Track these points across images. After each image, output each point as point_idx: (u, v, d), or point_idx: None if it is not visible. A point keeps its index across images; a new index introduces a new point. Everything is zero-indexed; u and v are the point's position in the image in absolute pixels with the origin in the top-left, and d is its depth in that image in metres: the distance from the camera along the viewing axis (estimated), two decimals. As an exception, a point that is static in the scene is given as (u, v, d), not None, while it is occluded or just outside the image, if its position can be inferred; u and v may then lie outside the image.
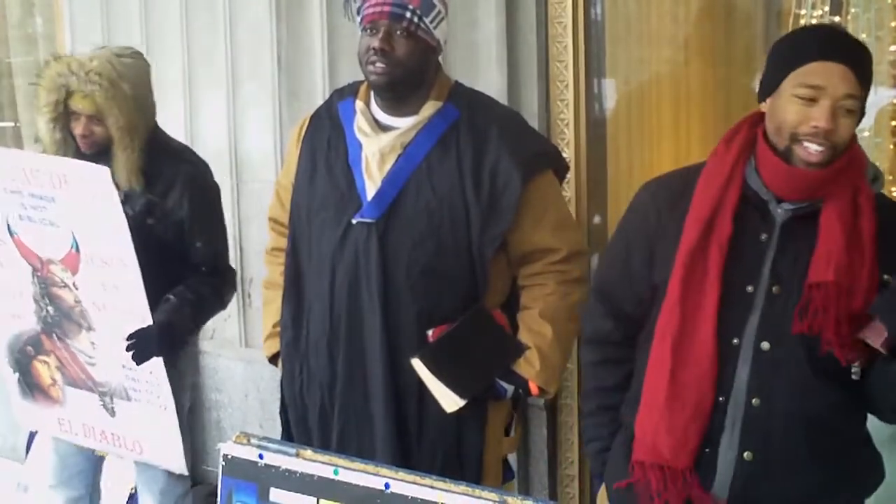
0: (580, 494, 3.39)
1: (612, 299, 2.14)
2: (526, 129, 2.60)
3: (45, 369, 2.96)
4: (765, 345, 1.90)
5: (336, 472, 1.61)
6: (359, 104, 2.50)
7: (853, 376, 1.87)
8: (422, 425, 2.46)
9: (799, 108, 1.87)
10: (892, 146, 3.22)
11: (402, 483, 1.57)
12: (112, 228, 2.61)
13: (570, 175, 3.23)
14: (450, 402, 2.42)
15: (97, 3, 4.30)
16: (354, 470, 1.60)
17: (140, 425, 2.86)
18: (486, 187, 2.40)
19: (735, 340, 1.92)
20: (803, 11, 3.26)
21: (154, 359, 2.72)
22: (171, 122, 4.07)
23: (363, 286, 2.43)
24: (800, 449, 1.91)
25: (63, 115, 2.78)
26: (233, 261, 3.93)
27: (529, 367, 2.46)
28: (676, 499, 1.93)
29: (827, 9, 3.22)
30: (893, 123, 3.21)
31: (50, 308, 2.84)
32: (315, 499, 1.63)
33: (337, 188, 2.48)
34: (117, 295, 2.70)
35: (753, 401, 1.91)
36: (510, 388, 2.48)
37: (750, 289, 1.92)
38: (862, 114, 1.91)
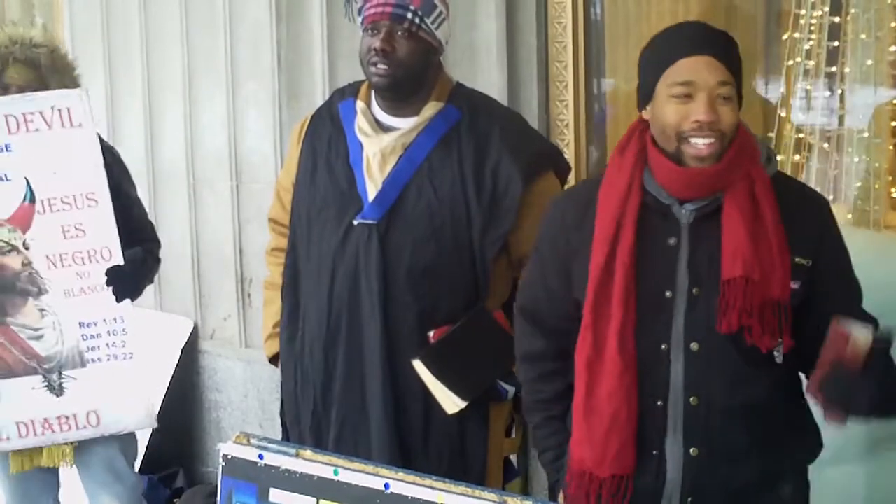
0: (580, 495, 3.38)
1: (536, 317, 2.15)
2: (527, 130, 2.60)
3: None
4: (694, 345, 1.93)
5: (336, 473, 1.61)
6: (360, 104, 2.49)
7: (776, 360, 1.92)
8: (426, 428, 2.46)
9: (677, 108, 1.89)
10: (891, 146, 3.22)
11: (401, 483, 1.57)
12: (85, 158, 2.58)
13: (570, 175, 3.24)
14: (451, 403, 2.42)
15: (97, 3, 4.30)
16: (354, 470, 1.60)
17: (96, 392, 2.75)
18: (487, 188, 2.39)
19: (663, 346, 1.95)
20: (803, 11, 3.26)
21: (124, 301, 2.70)
22: (171, 122, 4.09)
23: (364, 287, 2.42)
24: (741, 438, 1.95)
25: None
26: (233, 262, 3.95)
27: None
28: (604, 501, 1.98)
29: (827, 9, 3.22)
30: (893, 124, 3.21)
31: None
32: (315, 499, 1.63)
33: (337, 189, 2.47)
34: (81, 238, 2.66)
35: (691, 400, 1.94)
36: (511, 390, 2.48)
37: (668, 294, 1.94)
38: (740, 99, 1.93)
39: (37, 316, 2.74)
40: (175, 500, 4.03)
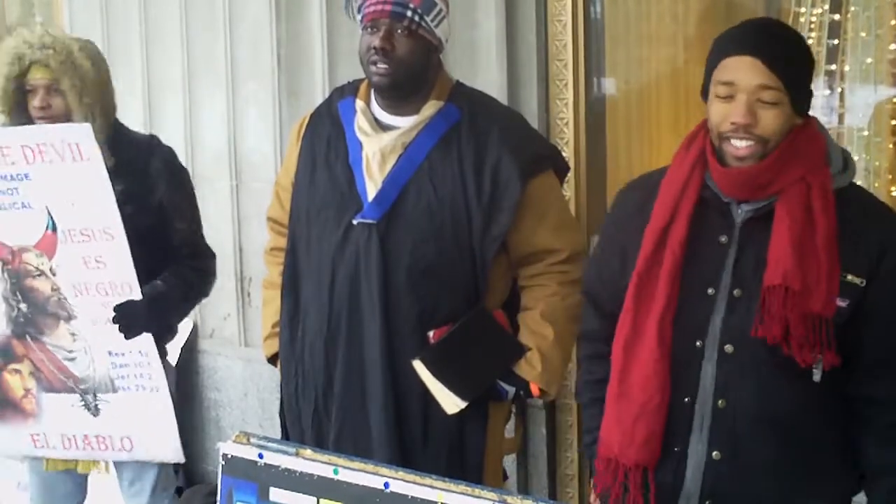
0: (580, 494, 3.39)
1: (596, 300, 2.16)
2: (527, 130, 2.60)
3: (16, 380, 2.85)
4: (728, 347, 1.91)
5: (336, 472, 1.61)
6: (359, 103, 2.49)
7: (814, 378, 1.86)
8: (426, 428, 2.45)
9: (720, 107, 1.88)
10: (891, 145, 3.22)
11: (401, 482, 1.57)
12: (96, 193, 2.56)
13: (570, 175, 3.23)
14: (451, 403, 2.42)
15: (97, 3, 4.30)
16: (354, 469, 1.60)
17: (128, 418, 2.79)
18: (487, 188, 2.39)
19: (698, 343, 1.93)
20: (803, 10, 3.26)
21: (144, 337, 2.69)
22: (171, 122, 4.09)
23: (363, 287, 2.42)
24: (767, 450, 1.91)
25: (18, 94, 2.72)
26: (233, 261, 3.95)
27: (530, 369, 2.46)
28: (620, 491, 1.98)
29: (827, 7, 3.22)
30: (893, 123, 3.21)
31: (22, 305, 2.76)
32: (315, 498, 1.63)
33: (337, 188, 2.47)
34: (102, 270, 2.64)
35: (719, 402, 1.92)
36: (511, 390, 2.48)
37: (711, 291, 1.92)
38: (799, 103, 1.88)
39: (69, 339, 2.78)
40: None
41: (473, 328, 2.44)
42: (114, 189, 2.62)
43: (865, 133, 3.21)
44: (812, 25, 3.26)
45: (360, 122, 2.46)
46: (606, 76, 3.38)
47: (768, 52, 1.85)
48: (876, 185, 3.19)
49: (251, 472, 1.67)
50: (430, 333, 2.42)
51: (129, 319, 2.66)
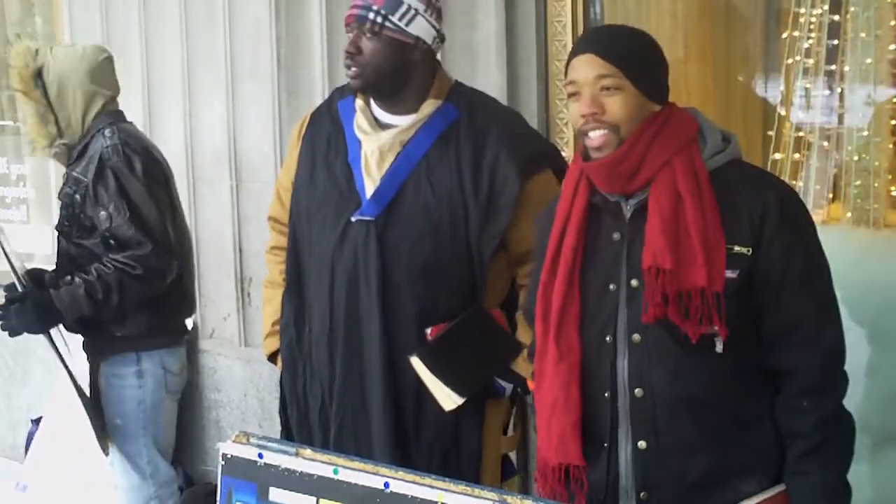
0: (580, 493, 3.38)
1: (529, 315, 2.20)
2: (525, 129, 2.60)
3: None
4: (635, 337, 1.96)
5: (336, 472, 1.61)
6: (358, 102, 2.50)
7: (717, 350, 1.90)
8: (419, 424, 2.46)
9: (573, 107, 1.97)
10: (891, 145, 3.22)
11: (401, 482, 1.57)
12: None
13: (570, 174, 3.24)
14: (448, 400, 2.42)
15: (97, 2, 4.30)
16: (354, 469, 1.60)
17: None
18: (484, 186, 2.40)
19: (608, 338, 1.98)
20: (803, 10, 3.26)
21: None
22: (171, 122, 4.09)
23: (362, 284, 2.43)
24: (688, 432, 1.94)
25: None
26: (233, 261, 3.95)
27: (528, 366, 2.45)
28: (550, 493, 2.05)
29: (826, 8, 3.22)
30: (893, 123, 3.21)
31: None
32: (315, 498, 1.63)
33: (336, 186, 2.48)
34: None
35: (636, 391, 1.96)
36: (508, 387, 2.49)
37: (612, 287, 1.98)
38: (645, 90, 1.94)
39: None
40: (175, 500, 4.03)
41: (470, 325, 2.45)
42: (71, 176, 2.95)
43: (865, 133, 3.21)
44: (812, 26, 3.26)
45: (360, 121, 2.48)
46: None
47: (601, 45, 1.96)
48: (876, 184, 3.19)
49: (251, 472, 1.67)
50: (428, 330, 2.43)
51: (11, 320, 2.79)
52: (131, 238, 2.93)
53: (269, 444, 1.68)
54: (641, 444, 1.97)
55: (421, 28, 2.42)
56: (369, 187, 2.42)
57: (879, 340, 2.90)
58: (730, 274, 1.89)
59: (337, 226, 2.45)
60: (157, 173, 3.06)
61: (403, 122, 2.45)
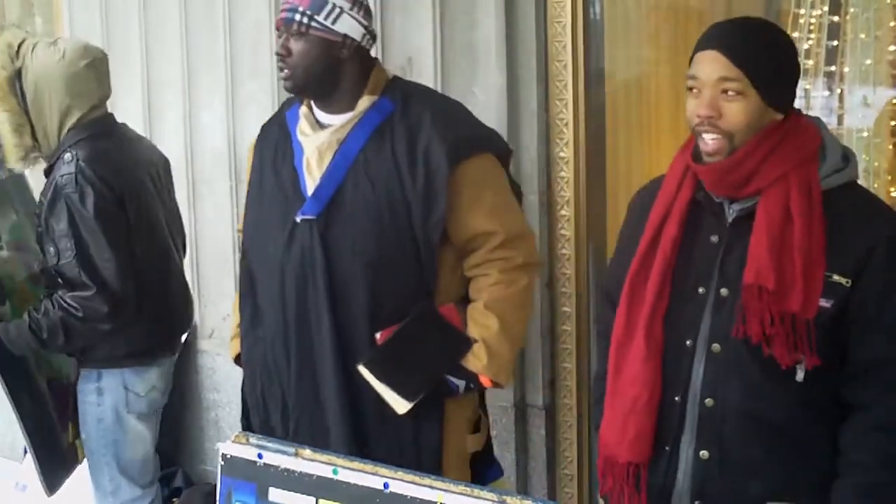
0: (579, 494, 3.39)
1: (612, 299, 2.16)
2: (460, 115, 2.59)
3: None
4: (715, 346, 1.91)
5: (335, 472, 1.61)
6: (303, 109, 2.55)
7: (797, 377, 1.85)
8: (378, 421, 2.46)
9: (690, 103, 1.89)
10: (891, 146, 3.22)
11: (401, 483, 1.57)
12: None
13: (570, 175, 3.24)
14: (399, 404, 2.43)
15: (97, 2, 4.30)
16: (353, 469, 1.60)
17: None
18: (420, 173, 2.40)
19: (689, 342, 1.94)
20: (802, 11, 3.26)
21: None
22: (171, 122, 4.09)
23: (310, 284, 2.44)
24: (753, 450, 1.90)
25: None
26: (232, 261, 3.95)
27: (477, 361, 2.46)
28: (619, 490, 2.00)
29: (826, 8, 3.22)
30: (893, 123, 3.21)
31: None
32: (314, 498, 1.63)
33: (282, 191, 2.51)
34: None
35: (707, 401, 1.92)
36: (461, 383, 2.47)
37: (702, 290, 1.93)
38: (768, 97, 1.86)
39: None
40: (174, 500, 4.04)
41: (418, 326, 2.45)
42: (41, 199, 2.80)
43: (865, 134, 3.21)
44: (811, 27, 3.26)
45: (302, 125, 2.52)
46: (606, 76, 3.38)
47: (730, 45, 1.85)
48: (875, 185, 3.20)
49: (250, 472, 1.67)
50: (378, 335, 2.43)
51: None
52: (75, 279, 2.78)
53: (269, 444, 1.68)
54: (703, 453, 1.93)
55: (348, 26, 2.44)
56: (311, 187, 2.45)
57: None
58: (824, 303, 1.83)
59: (284, 228, 2.47)
60: (110, 202, 2.81)
61: (340, 121, 2.48)
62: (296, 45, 2.41)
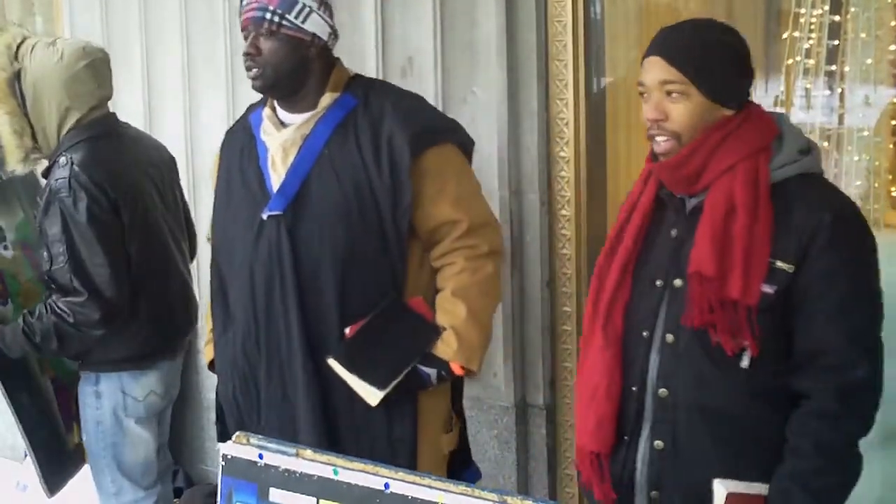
0: (580, 494, 3.39)
1: None
2: (421, 106, 2.61)
3: None
4: (669, 337, 1.96)
5: (336, 472, 1.61)
6: (266, 111, 2.56)
7: (742, 365, 1.88)
8: (352, 421, 2.46)
9: (643, 107, 1.96)
10: (891, 145, 3.22)
11: (401, 483, 1.57)
12: None
13: (570, 175, 3.23)
14: (370, 395, 2.42)
15: (97, 2, 4.30)
16: (354, 470, 1.60)
17: None
18: (385, 165, 2.42)
19: (645, 333, 1.98)
20: (803, 10, 3.26)
21: None
22: (171, 122, 4.09)
23: (279, 280, 2.44)
24: (705, 440, 1.93)
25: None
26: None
27: (447, 348, 2.45)
28: (587, 479, 2.07)
29: (827, 8, 3.23)
30: (893, 123, 3.21)
31: None
32: (315, 498, 1.63)
33: (249, 191, 2.52)
34: None
35: (660, 391, 1.96)
36: (433, 372, 2.46)
37: (659, 283, 1.98)
38: (713, 95, 1.90)
39: None
40: (175, 500, 4.03)
41: (386, 318, 2.45)
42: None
43: (865, 133, 3.21)
44: (812, 26, 3.26)
45: (265, 126, 2.53)
46: (606, 76, 3.38)
47: (667, 48, 1.93)
48: (876, 184, 3.20)
49: (251, 472, 1.67)
50: (347, 330, 2.43)
51: None
52: (67, 285, 2.76)
53: (270, 444, 1.68)
54: (658, 443, 1.97)
55: (316, 25, 2.46)
56: (276, 184, 2.46)
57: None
58: (766, 289, 1.86)
59: (251, 227, 2.48)
60: (104, 207, 2.79)
61: (303, 119, 2.49)
62: (266, 44, 2.42)
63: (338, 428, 2.46)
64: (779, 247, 1.86)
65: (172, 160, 3.21)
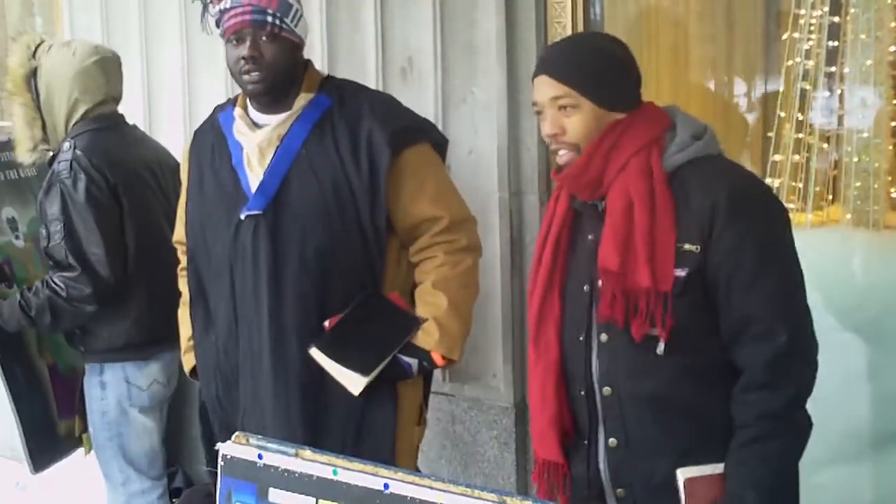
0: (579, 494, 3.39)
1: None
2: (397, 106, 2.63)
3: None
4: (603, 336, 1.99)
5: (335, 473, 1.61)
6: (237, 111, 2.56)
7: (657, 351, 1.92)
8: (329, 415, 2.47)
9: (541, 126, 2.02)
10: (891, 147, 3.22)
11: (401, 483, 1.57)
12: None
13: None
14: (354, 382, 2.43)
15: (97, 2, 4.30)
16: (353, 470, 1.60)
17: None
18: (364, 163, 2.43)
19: (581, 337, 2.02)
20: (803, 11, 3.26)
21: None
22: (171, 122, 4.09)
23: (259, 279, 2.45)
24: (652, 430, 1.97)
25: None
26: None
27: (428, 338, 2.47)
28: (542, 486, 2.12)
29: (826, 9, 3.23)
30: (893, 124, 3.21)
31: None
32: (314, 499, 1.63)
33: (224, 190, 2.52)
34: None
35: (605, 390, 2.00)
36: (414, 362, 2.48)
37: (586, 287, 2.02)
38: (603, 102, 1.95)
39: None
40: (174, 500, 4.03)
41: (366, 308, 2.47)
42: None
43: (865, 135, 3.21)
44: (812, 27, 3.26)
45: (238, 126, 2.53)
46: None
47: (552, 65, 2.00)
48: (875, 186, 3.20)
49: (250, 472, 1.67)
50: (326, 324, 2.45)
51: None
52: (62, 261, 2.88)
53: (269, 444, 1.68)
54: (612, 441, 2.00)
55: (303, 28, 2.50)
56: (254, 184, 2.47)
57: (880, 341, 2.91)
58: (678, 272, 1.90)
59: (229, 227, 2.48)
60: (103, 190, 2.91)
61: (278, 120, 2.50)
62: (268, 48, 2.42)
63: (313, 430, 2.46)
64: (682, 231, 1.90)
65: (177, 164, 3.24)
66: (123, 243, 2.94)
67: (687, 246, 1.90)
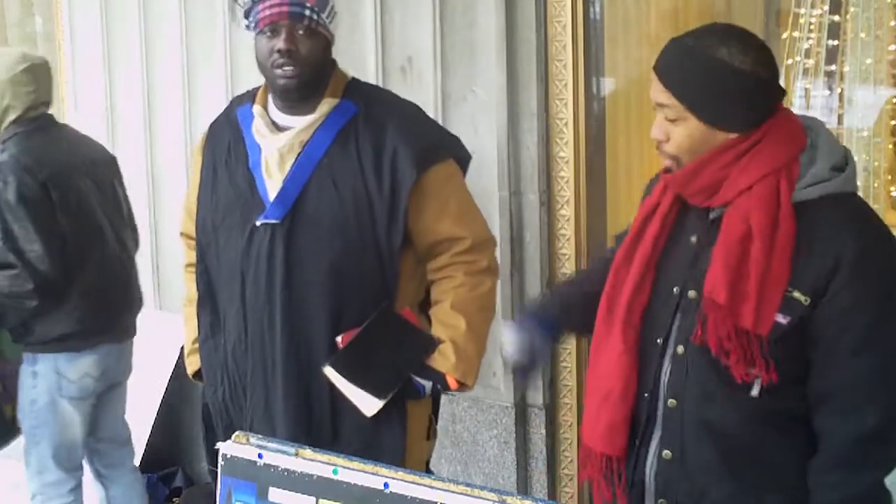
0: (579, 494, 3.39)
1: (604, 256, 2.19)
2: (423, 120, 2.57)
3: None
4: (679, 348, 1.89)
5: (335, 472, 1.61)
6: (256, 108, 2.46)
7: (752, 392, 1.81)
8: (337, 430, 2.43)
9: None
10: (891, 146, 3.22)
11: (401, 482, 1.56)
12: None
13: (570, 175, 3.24)
14: (368, 404, 2.38)
15: (97, 2, 4.30)
16: (353, 469, 1.60)
17: None
18: (387, 179, 2.37)
19: (658, 340, 1.92)
20: (803, 11, 3.26)
21: None
22: (170, 121, 4.09)
23: (272, 288, 2.40)
24: (710, 456, 1.88)
25: None
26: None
27: (445, 361, 2.42)
28: (595, 479, 2.01)
29: (826, 8, 3.22)
30: (893, 123, 3.21)
31: None
32: (314, 498, 1.62)
33: (239, 193, 2.45)
34: None
35: (669, 402, 1.91)
36: (427, 384, 2.43)
37: (675, 290, 1.90)
38: (710, 120, 1.79)
39: None
40: (174, 499, 4.04)
41: (381, 327, 2.41)
42: None
43: (865, 133, 3.21)
44: (812, 26, 3.26)
45: (258, 126, 2.44)
46: (606, 76, 3.38)
47: (663, 69, 1.83)
48: (876, 185, 3.20)
49: (250, 472, 1.67)
50: (339, 339, 2.39)
51: None
52: (2, 261, 2.98)
53: (269, 444, 1.68)
54: (666, 453, 1.92)
55: (336, 26, 2.43)
56: (272, 191, 2.39)
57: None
58: (780, 319, 1.77)
59: (243, 233, 2.42)
60: (32, 187, 3.00)
61: (301, 123, 2.41)
62: (305, 42, 2.33)
63: (322, 442, 2.39)
64: (796, 277, 1.76)
65: (113, 159, 3.41)
66: (61, 237, 3.04)
67: (797, 294, 1.76)
